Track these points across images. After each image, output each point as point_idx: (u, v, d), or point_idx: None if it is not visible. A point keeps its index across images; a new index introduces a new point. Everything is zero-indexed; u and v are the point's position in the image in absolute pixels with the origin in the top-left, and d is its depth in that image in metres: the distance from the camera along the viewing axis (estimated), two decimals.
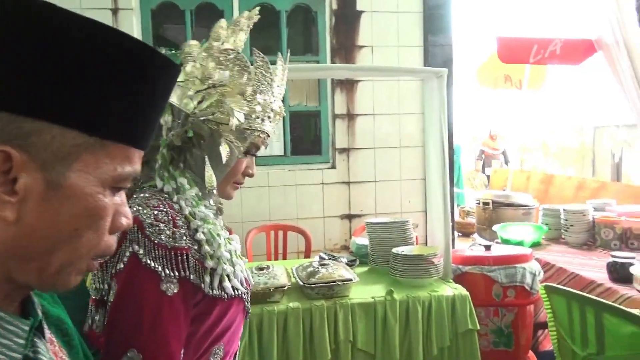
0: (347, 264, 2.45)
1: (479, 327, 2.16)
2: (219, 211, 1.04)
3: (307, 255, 3.22)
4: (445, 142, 2.38)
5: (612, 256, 2.35)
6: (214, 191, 1.00)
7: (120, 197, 0.57)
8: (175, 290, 0.85)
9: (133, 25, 3.27)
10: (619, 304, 2.02)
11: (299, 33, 3.87)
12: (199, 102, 0.94)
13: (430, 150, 2.51)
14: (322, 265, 2.19)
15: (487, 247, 2.50)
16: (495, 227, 3.29)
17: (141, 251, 0.84)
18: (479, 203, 3.99)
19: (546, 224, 3.25)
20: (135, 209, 0.88)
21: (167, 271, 0.84)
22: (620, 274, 2.27)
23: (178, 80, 0.93)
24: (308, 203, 3.54)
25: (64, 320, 0.67)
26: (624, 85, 3.64)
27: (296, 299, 2.10)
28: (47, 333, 0.60)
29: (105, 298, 0.89)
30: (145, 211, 0.87)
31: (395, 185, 3.71)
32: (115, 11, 3.23)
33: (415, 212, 3.62)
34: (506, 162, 8.82)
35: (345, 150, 3.63)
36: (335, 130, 3.60)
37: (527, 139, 10.82)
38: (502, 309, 2.30)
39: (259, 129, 0.99)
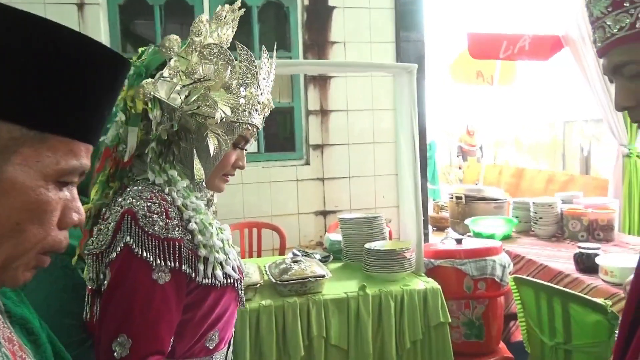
0: (320, 260, 2.45)
1: (450, 320, 2.19)
2: (209, 202, 1.07)
3: (281, 253, 3.20)
4: (416, 137, 2.39)
5: (579, 247, 2.40)
6: (203, 184, 1.01)
7: (70, 192, 0.56)
8: (167, 279, 0.89)
9: (100, 21, 3.19)
10: (585, 294, 2.07)
11: (271, 29, 3.84)
12: (186, 97, 0.96)
13: (402, 145, 2.53)
14: (295, 262, 2.19)
15: (459, 241, 2.53)
16: (467, 221, 3.34)
17: (134, 242, 0.87)
18: (452, 197, 4.04)
19: (516, 217, 3.31)
20: (128, 201, 0.91)
21: (159, 261, 0.88)
22: (586, 264, 2.33)
23: (164, 75, 0.96)
24: (282, 200, 3.53)
25: (28, 319, 0.67)
26: (590, 81, 3.72)
27: (269, 296, 2.09)
28: (6, 332, 0.59)
29: (102, 288, 0.92)
30: (138, 203, 0.90)
31: (369, 180, 3.72)
32: (80, 6, 3.15)
33: (390, 207, 3.65)
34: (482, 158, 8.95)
35: (319, 147, 3.62)
36: (308, 126, 3.59)
37: (500, 134, 11.01)
38: (473, 302, 2.34)
39: (246, 121, 1.01)
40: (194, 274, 0.93)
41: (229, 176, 1.08)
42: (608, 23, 0.82)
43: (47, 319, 1.02)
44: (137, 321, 0.86)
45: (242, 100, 0.99)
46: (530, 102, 9.75)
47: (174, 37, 0.97)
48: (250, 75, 1.00)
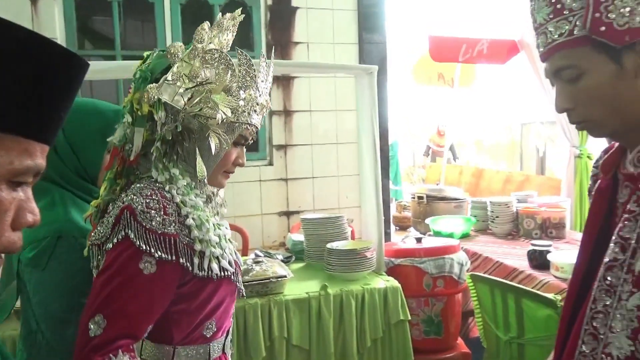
0: (282, 261, 2.45)
1: (410, 317, 2.23)
2: (209, 199, 1.13)
3: (244, 254, 3.18)
4: (376, 138, 2.43)
5: (532, 245, 2.50)
6: (205, 180, 1.08)
7: (25, 192, 0.55)
8: (152, 271, 0.95)
9: (55, 17, 3.09)
10: (538, 290, 2.15)
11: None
12: (189, 99, 1.02)
13: (363, 146, 2.56)
14: (257, 263, 2.18)
15: (419, 240, 2.58)
16: (428, 220, 3.41)
17: (132, 235, 0.94)
18: (414, 197, 4.11)
19: (475, 216, 3.41)
20: (130, 197, 0.98)
21: (154, 251, 0.95)
22: (539, 261, 2.42)
23: (168, 79, 1.02)
24: (246, 200, 3.50)
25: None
26: (544, 84, 3.87)
27: None
28: None
29: None
30: (138, 199, 0.97)
31: (332, 181, 3.75)
32: (34, 0, 3.04)
33: (352, 208, 3.68)
34: (454, 159, 8.89)
35: (283, 147, 3.62)
36: (272, 126, 3.58)
37: (461, 135, 11.29)
38: (432, 299, 2.39)
39: (246, 122, 1.07)
40: (190, 267, 1.00)
41: (230, 173, 1.15)
42: (550, 29, 0.86)
43: (64, 296, 1.16)
44: (114, 304, 0.92)
45: (241, 102, 1.06)
46: (489, 104, 10.04)
47: (179, 44, 1.05)
48: (249, 78, 1.07)
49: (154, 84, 1.03)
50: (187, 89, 1.02)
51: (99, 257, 1.02)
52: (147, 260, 0.95)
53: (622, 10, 0.79)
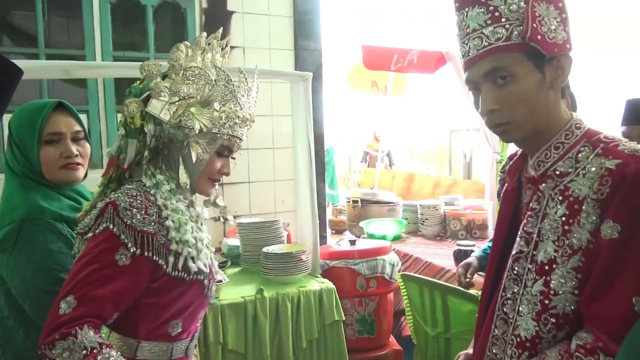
0: (218, 266, 2.43)
1: (344, 318, 2.29)
2: (190, 204, 1.22)
3: None
4: (311, 143, 2.48)
5: (458, 245, 2.65)
6: (188, 187, 1.16)
7: None
8: (127, 263, 1.03)
9: None
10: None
11: (167, 30, 3.73)
12: (173, 112, 1.13)
13: (298, 151, 2.60)
14: None
15: (352, 242, 2.66)
16: (362, 223, 3.51)
17: (113, 228, 1.03)
18: (349, 201, 4.21)
19: (406, 219, 3.55)
20: (116, 195, 1.08)
21: (130, 246, 1.03)
22: (464, 260, 2.56)
23: (159, 95, 1.12)
24: None
25: None
26: (468, 94, 4.11)
27: None
28: None
29: None
30: (123, 198, 1.07)
31: (269, 185, 3.75)
32: None
33: (289, 212, 3.70)
34: (391, 165, 8.93)
35: None
36: None
37: (394, 141, 11.66)
38: (365, 299, 2.47)
39: (227, 133, 1.16)
40: (164, 265, 1.08)
41: (216, 181, 1.23)
42: (486, 33, 0.95)
43: (45, 272, 1.22)
44: (86, 288, 1.00)
45: (223, 115, 1.15)
46: (420, 112, 10.45)
47: (154, 63, 1.17)
48: (228, 93, 1.17)
49: (131, 99, 1.14)
50: (171, 103, 1.12)
51: (81, 245, 1.11)
52: (123, 252, 1.03)
53: (550, 26, 0.92)
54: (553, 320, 0.93)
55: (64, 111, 1.36)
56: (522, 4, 0.92)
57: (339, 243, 2.79)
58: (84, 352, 0.95)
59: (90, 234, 1.07)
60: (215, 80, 1.16)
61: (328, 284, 2.31)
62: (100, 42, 3.26)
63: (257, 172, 3.71)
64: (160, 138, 1.15)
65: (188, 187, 1.17)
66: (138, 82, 1.21)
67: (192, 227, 1.15)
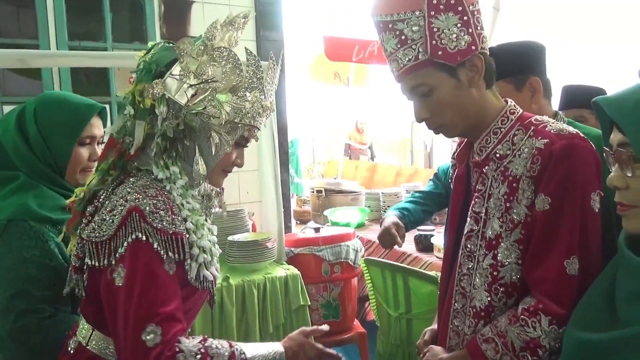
0: None
1: (310, 303, 2.35)
2: (203, 199, 1.13)
3: None
4: (275, 133, 2.51)
5: (418, 230, 2.74)
6: (201, 180, 1.05)
7: None
8: (174, 271, 0.96)
9: None
10: (423, 270, 2.38)
11: (125, 20, 3.65)
12: (192, 96, 0.99)
13: (262, 141, 2.62)
14: None
15: (317, 230, 2.71)
16: (326, 212, 3.57)
17: (144, 237, 0.91)
18: (313, 191, 4.26)
19: (369, 207, 3.64)
20: (134, 196, 0.95)
21: (170, 254, 0.94)
22: (424, 244, 2.67)
23: (174, 73, 1.00)
24: None
25: None
26: None
27: None
28: None
29: (85, 266, 0.98)
30: (145, 200, 0.94)
31: (233, 177, 3.73)
32: None
33: (254, 202, 3.72)
34: (372, 158, 8.60)
35: None
36: None
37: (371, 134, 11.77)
38: (330, 284, 2.53)
39: (249, 123, 1.05)
40: (189, 270, 1.00)
41: (228, 172, 1.14)
42: (399, 57, 1.04)
43: (9, 281, 1.17)
44: (160, 310, 0.91)
45: (247, 104, 1.04)
46: (382, 104, 10.61)
47: (188, 40, 1.02)
48: (255, 80, 1.06)
49: (159, 79, 0.99)
50: (191, 86, 1.00)
51: (97, 254, 0.95)
52: (169, 261, 0.95)
53: (450, 37, 1.00)
54: (502, 289, 1.02)
55: (99, 116, 1.39)
56: (421, 22, 1.00)
57: (303, 231, 2.84)
58: (198, 357, 0.93)
59: (121, 250, 0.92)
60: (243, 64, 1.05)
61: (293, 271, 2.35)
62: (54, 32, 3.17)
63: None
64: (177, 126, 1.00)
65: (204, 180, 1.07)
66: (144, 53, 1.08)
67: (207, 230, 1.06)
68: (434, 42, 0.99)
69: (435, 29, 0.99)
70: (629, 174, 0.70)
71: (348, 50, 4.20)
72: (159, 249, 0.93)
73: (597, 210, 0.95)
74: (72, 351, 1.06)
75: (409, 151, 10.59)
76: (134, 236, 0.92)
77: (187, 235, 0.98)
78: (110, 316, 0.94)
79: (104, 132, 1.38)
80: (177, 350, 0.92)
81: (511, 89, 1.40)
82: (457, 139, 1.30)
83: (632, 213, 0.72)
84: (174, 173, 1.02)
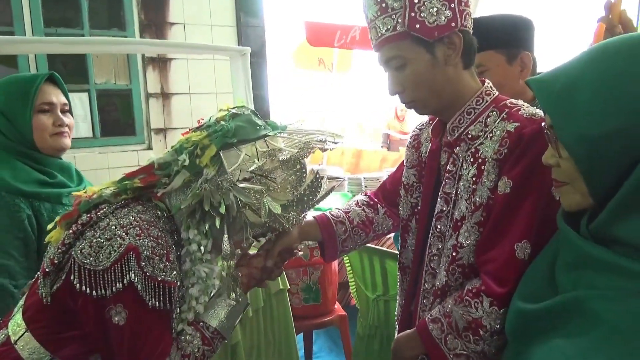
0: None
1: (289, 286, 2.37)
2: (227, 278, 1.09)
3: None
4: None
5: None
6: (227, 259, 1.03)
7: None
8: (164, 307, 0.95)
9: None
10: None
11: (103, 6, 3.61)
12: (244, 180, 0.99)
13: None
14: None
15: None
16: None
17: (136, 280, 0.90)
18: None
19: (351, 192, 3.66)
20: (136, 232, 0.92)
21: (154, 301, 0.91)
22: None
23: (242, 150, 1.00)
24: None
25: None
26: None
27: None
28: None
29: (58, 274, 0.96)
30: (146, 242, 0.92)
31: None
32: None
33: None
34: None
35: (162, 130, 3.55)
36: (149, 109, 3.49)
37: (344, 119, 11.76)
38: (310, 268, 2.55)
39: (275, 228, 1.05)
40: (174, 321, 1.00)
41: None
42: (378, 25, 1.01)
43: None
44: (153, 348, 0.94)
45: (288, 218, 1.04)
46: (367, 91, 10.59)
47: (281, 139, 1.05)
48: (306, 200, 1.07)
49: (227, 149, 1.00)
50: (250, 171, 0.99)
51: (89, 281, 0.91)
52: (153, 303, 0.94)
53: (430, 10, 0.96)
54: (460, 270, 1.02)
55: (53, 83, 1.43)
56: None
57: None
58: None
59: (119, 285, 0.90)
60: (305, 182, 1.05)
61: None
62: (30, 18, 3.13)
63: None
64: (218, 204, 0.98)
65: (229, 259, 1.05)
66: (228, 107, 1.09)
67: (212, 286, 1.06)
68: (412, 14, 0.95)
69: (416, 0, 0.95)
70: (558, 154, 0.73)
71: (330, 35, 4.19)
72: (145, 296, 0.92)
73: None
74: None
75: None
76: (128, 277, 0.90)
77: (177, 284, 0.97)
78: (105, 342, 0.95)
79: (67, 103, 1.45)
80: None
81: (502, 60, 1.36)
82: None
83: (564, 190, 0.75)
84: (193, 238, 1.00)
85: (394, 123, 7.59)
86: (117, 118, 3.73)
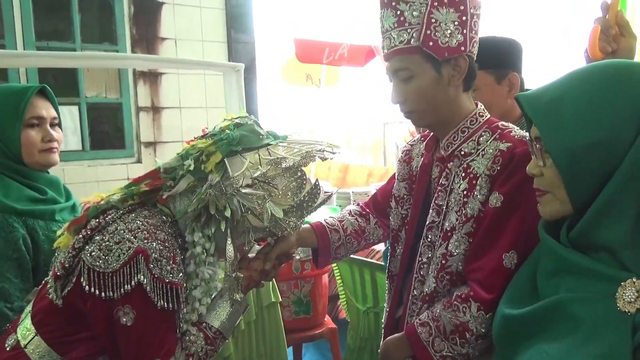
0: None
1: (281, 299, 2.39)
2: (230, 281, 1.12)
3: None
4: None
5: None
6: (230, 264, 1.09)
7: None
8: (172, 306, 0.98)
9: None
10: None
11: (95, 20, 3.63)
12: (247, 186, 1.02)
13: None
14: None
15: None
16: None
17: (145, 281, 0.93)
18: None
19: (340, 206, 3.70)
20: (144, 235, 0.95)
21: (162, 302, 0.95)
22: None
23: (247, 158, 1.03)
24: None
25: None
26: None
27: None
28: None
29: (72, 276, 0.98)
30: (154, 245, 0.95)
31: None
32: None
33: None
34: None
35: (152, 144, 3.56)
36: (139, 123, 3.50)
37: (332, 134, 11.85)
38: (300, 281, 2.58)
39: (274, 233, 1.10)
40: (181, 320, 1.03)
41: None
42: (393, 35, 1.08)
43: None
44: (162, 345, 0.98)
45: (288, 223, 1.08)
46: (355, 105, 10.72)
47: (283, 148, 1.08)
48: (305, 206, 1.10)
49: (232, 156, 1.03)
50: (253, 178, 1.03)
51: (98, 283, 0.94)
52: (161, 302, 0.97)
53: (445, 32, 1.03)
54: (448, 277, 1.08)
55: (44, 96, 1.39)
56: (423, 9, 1.03)
57: None
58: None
59: (127, 287, 0.93)
60: (304, 189, 1.09)
61: None
62: (21, 31, 3.14)
63: None
64: (223, 208, 1.02)
65: (232, 265, 1.10)
66: (231, 117, 1.12)
67: (214, 288, 1.08)
68: (428, 31, 1.02)
69: (433, 20, 1.02)
70: (541, 164, 0.79)
71: (319, 52, 4.26)
72: (154, 297, 0.95)
73: None
74: (8, 348, 1.03)
75: (382, 152, 10.72)
76: (137, 279, 0.93)
77: (184, 285, 1.00)
78: (111, 342, 0.98)
79: (57, 117, 1.41)
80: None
81: (491, 81, 1.43)
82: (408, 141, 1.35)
83: (546, 199, 0.80)
84: (197, 241, 1.03)
85: (409, 140, 7.79)
86: (107, 131, 3.73)
